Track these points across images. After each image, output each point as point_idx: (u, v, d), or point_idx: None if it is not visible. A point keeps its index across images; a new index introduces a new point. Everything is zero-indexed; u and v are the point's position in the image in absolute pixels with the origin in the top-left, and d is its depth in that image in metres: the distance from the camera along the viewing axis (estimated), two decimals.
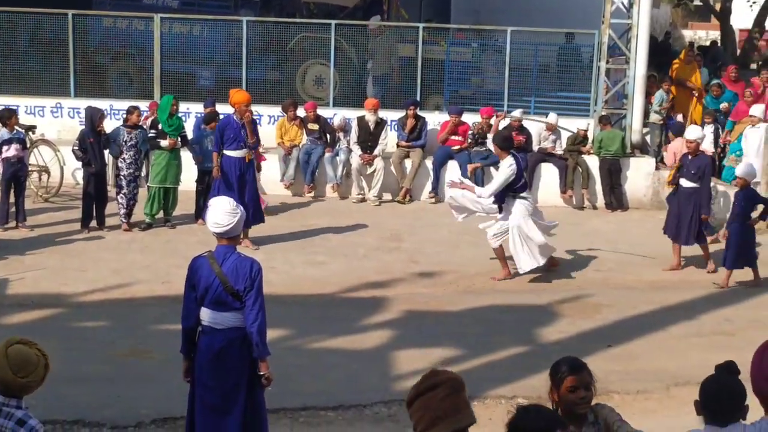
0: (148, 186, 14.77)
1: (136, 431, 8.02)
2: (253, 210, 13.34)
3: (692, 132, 13.80)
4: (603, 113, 17.49)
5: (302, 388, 8.84)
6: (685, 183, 13.33)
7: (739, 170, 13.27)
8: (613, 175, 16.98)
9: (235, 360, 6.46)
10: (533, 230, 12.38)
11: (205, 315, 6.50)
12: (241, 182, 13.29)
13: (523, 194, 12.65)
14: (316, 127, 17.03)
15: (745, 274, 12.81)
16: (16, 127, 14.35)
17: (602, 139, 17.08)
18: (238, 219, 6.49)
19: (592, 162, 17.11)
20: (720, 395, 4.70)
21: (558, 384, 4.95)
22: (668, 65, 20.29)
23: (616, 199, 16.99)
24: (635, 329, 10.81)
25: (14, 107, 16.12)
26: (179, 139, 14.67)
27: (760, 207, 12.95)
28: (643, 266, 13.53)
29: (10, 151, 13.95)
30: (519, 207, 12.47)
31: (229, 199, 6.84)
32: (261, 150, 15.15)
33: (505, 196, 12.56)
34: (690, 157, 13.35)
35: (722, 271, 12.81)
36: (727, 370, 4.78)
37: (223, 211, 6.48)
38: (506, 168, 12.35)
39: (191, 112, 16.84)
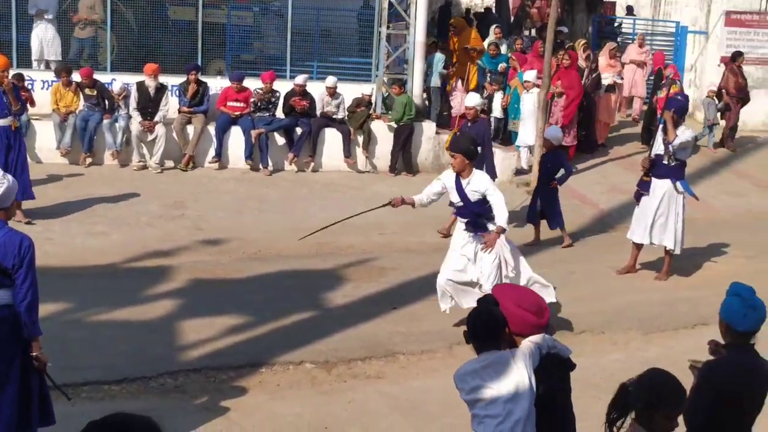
0: None
1: None
2: (23, 185, 12.55)
3: (471, 99, 13.83)
4: (397, 77, 17.64)
5: (84, 362, 8.59)
6: None
7: (547, 133, 13.79)
8: (405, 138, 17.17)
9: (7, 338, 6.16)
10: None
11: None
12: (8, 152, 12.74)
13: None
14: (93, 92, 16.44)
15: (527, 234, 13.34)
16: None
17: (396, 103, 17.22)
18: (5, 188, 6.20)
19: (376, 126, 17.30)
20: (486, 323, 5.18)
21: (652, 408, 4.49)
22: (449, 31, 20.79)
23: (405, 164, 17.22)
24: (419, 292, 11.04)
25: None
26: None
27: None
28: (425, 229, 13.82)
29: None
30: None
31: None
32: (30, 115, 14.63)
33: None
34: (469, 123, 13.49)
35: None
36: (488, 301, 5.31)
37: None
38: (488, 182, 9.81)
39: None
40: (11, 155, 12.76)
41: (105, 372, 8.50)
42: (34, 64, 17.43)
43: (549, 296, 9.53)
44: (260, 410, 8.02)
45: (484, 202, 9.58)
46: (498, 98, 17.83)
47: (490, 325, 5.19)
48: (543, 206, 13.45)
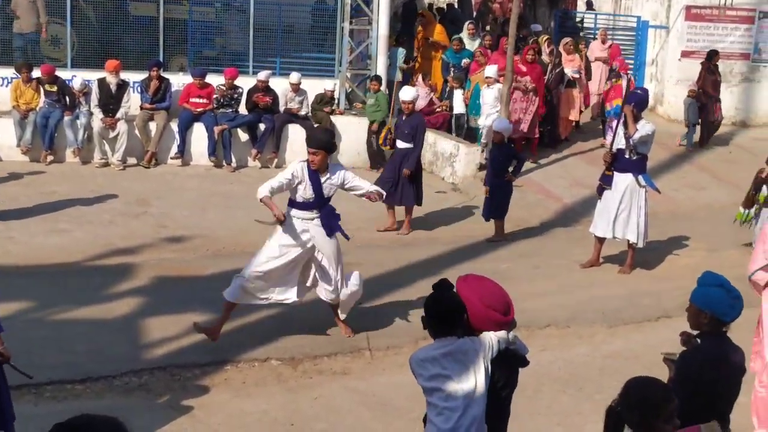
0: None
1: None
2: None
3: (407, 92, 13.75)
4: (376, 74, 17.55)
5: (47, 361, 8.49)
6: (400, 144, 13.58)
7: (496, 125, 13.73)
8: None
9: None
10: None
11: None
12: None
13: None
14: (54, 89, 16.27)
15: (488, 229, 13.37)
16: None
17: (378, 99, 17.04)
18: None
19: (338, 121, 17.26)
20: (445, 309, 5.17)
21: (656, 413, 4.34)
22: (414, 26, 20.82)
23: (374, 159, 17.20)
24: (384, 287, 11.03)
25: None
26: None
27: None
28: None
29: None
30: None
31: None
32: None
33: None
34: (404, 117, 13.57)
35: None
36: (443, 287, 5.22)
37: None
38: (345, 170, 9.52)
39: None
40: None
41: (68, 371, 8.41)
42: None
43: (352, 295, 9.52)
44: (226, 408, 7.99)
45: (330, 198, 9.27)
46: (459, 94, 17.83)
47: (449, 311, 5.16)
48: (495, 199, 13.39)
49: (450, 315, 5.16)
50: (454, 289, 5.23)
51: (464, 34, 19.39)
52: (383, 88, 17.42)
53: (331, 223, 9.27)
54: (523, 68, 17.11)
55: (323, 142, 9.17)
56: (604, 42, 20.61)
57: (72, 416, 3.23)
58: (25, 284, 10.26)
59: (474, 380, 5.08)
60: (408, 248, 12.82)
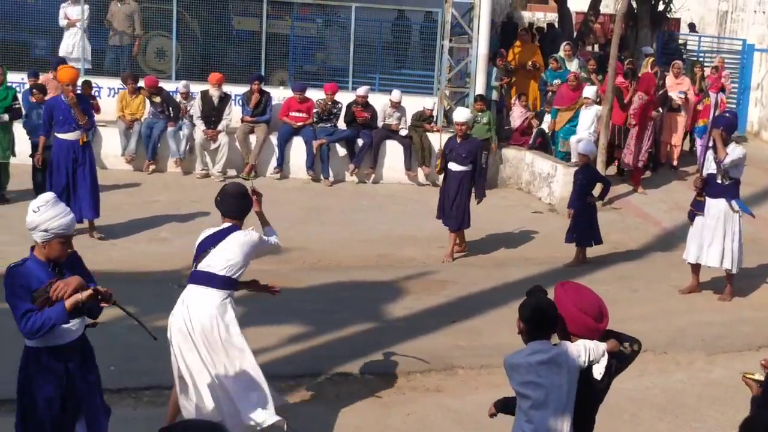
0: None
1: None
2: (91, 200, 12.50)
3: (460, 114, 13.21)
4: (480, 94, 17.48)
5: (145, 366, 8.65)
6: (454, 167, 12.91)
7: (581, 147, 13.58)
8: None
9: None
10: None
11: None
12: (75, 167, 12.43)
13: None
14: (158, 100, 16.63)
15: (588, 250, 13.20)
16: None
17: (481, 119, 16.79)
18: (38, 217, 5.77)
19: (435, 139, 17.26)
20: (544, 314, 5.26)
21: None
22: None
23: None
24: (479, 305, 11.00)
25: None
26: (6, 111, 14.09)
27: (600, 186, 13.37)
28: (486, 243, 13.77)
29: None
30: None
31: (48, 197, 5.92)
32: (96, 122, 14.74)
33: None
34: (459, 140, 12.92)
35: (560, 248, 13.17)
36: (537, 292, 5.40)
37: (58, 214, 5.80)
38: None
39: (26, 83, 16.12)
40: (78, 170, 12.45)
41: (167, 377, 8.53)
42: None
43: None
44: (318, 419, 8.02)
45: None
46: (548, 118, 17.67)
47: (543, 315, 5.25)
48: (578, 223, 13.17)
49: (544, 319, 5.25)
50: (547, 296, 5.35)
51: (561, 54, 19.23)
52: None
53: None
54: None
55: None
56: (718, 70, 19.81)
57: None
58: (125, 290, 10.40)
59: (566, 391, 5.16)
60: (502, 268, 12.75)
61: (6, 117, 14.13)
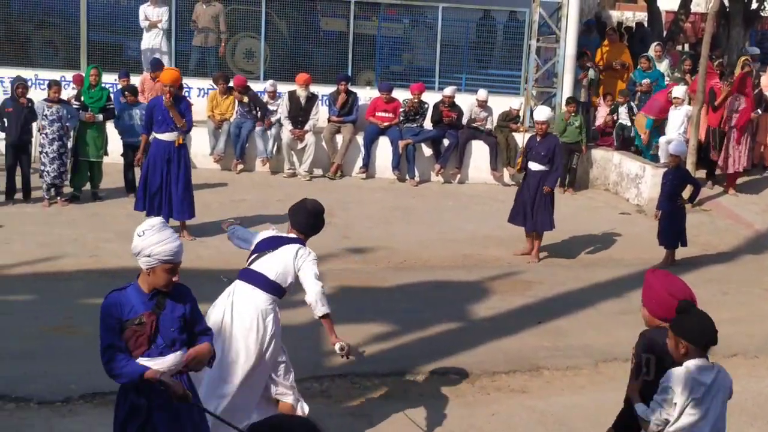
0: (72, 158, 14.48)
1: (63, 406, 7.88)
2: (184, 201, 12.56)
3: (541, 112, 13.09)
4: (572, 96, 17.38)
5: None
6: (534, 166, 12.78)
7: (672, 148, 13.36)
8: (572, 155, 16.96)
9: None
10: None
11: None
12: (169, 168, 12.47)
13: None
14: (246, 100, 16.84)
15: (660, 253, 13.00)
16: None
17: (570, 123, 16.85)
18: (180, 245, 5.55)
19: (522, 140, 17.18)
20: (704, 326, 5.14)
21: None
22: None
23: (570, 180, 17.05)
24: (565, 306, 10.92)
25: None
26: (101, 112, 14.41)
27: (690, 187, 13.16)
28: (573, 243, 13.66)
29: None
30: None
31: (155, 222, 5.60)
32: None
33: None
34: (538, 138, 12.82)
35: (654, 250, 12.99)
36: (690, 308, 5.24)
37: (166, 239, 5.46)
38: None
39: (117, 83, 16.46)
40: (173, 170, 12.48)
41: None
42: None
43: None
44: (402, 418, 8.03)
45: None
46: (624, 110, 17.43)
47: (712, 334, 5.17)
48: (666, 224, 12.96)
49: (712, 340, 5.16)
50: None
51: (651, 54, 18.94)
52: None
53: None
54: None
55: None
56: None
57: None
58: (213, 288, 10.58)
59: (721, 411, 5.20)
60: (590, 269, 12.64)
61: (101, 117, 14.46)
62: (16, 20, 18.75)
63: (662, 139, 16.35)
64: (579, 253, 13.42)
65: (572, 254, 13.35)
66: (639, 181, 16.27)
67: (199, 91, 17.83)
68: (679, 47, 23.21)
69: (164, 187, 12.48)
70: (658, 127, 16.79)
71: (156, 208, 12.28)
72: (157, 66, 16.06)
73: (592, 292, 11.52)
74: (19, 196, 14.13)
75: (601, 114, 18.01)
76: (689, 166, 15.38)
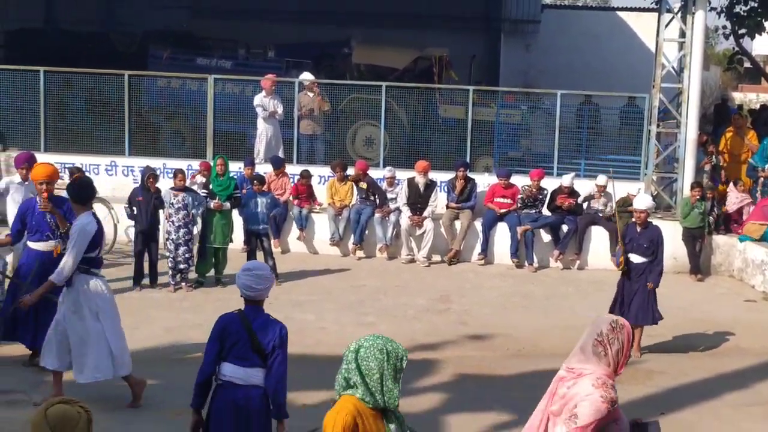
0: (198, 245, 14.91)
1: None
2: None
3: (642, 201, 12.37)
4: (697, 181, 17.22)
5: None
6: (635, 258, 12.02)
7: None
8: (696, 241, 16.84)
9: (255, 416, 6.47)
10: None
11: (228, 370, 6.49)
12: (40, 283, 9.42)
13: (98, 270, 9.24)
14: (364, 186, 17.14)
15: None
16: None
17: (696, 207, 16.72)
18: (269, 285, 6.65)
19: None
20: None
21: None
22: (725, 128, 20.23)
23: (695, 266, 16.81)
24: (688, 397, 10.66)
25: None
26: (228, 199, 14.84)
27: None
28: (693, 332, 13.38)
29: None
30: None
31: (263, 264, 6.97)
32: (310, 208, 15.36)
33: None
34: (638, 229, 12.06)
35: None
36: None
37: (255, 276, 6.56)
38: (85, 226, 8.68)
39: (242, 171, 16.96)
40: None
41: None
42: (257, 160, 18.09)
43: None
44: None
45: None
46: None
47: None
48: None
49: None
50: None
51: None
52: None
53: None
54: None
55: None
56: None
57: None
58: (335, 373, 10.70)
59: None
60: (714, 358, 12.34)
61: (228, 205, 14.88)
62: (147, 112, 19.55)
63: None
64: (702, 342, 13.12)
65: (695, 343, 13.06)
66: (765, 267, 15.89)
67: (320, 179, 18.17)
68: None
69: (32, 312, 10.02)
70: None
71: None
72: (278, 164, 16.76)
73: (718, 383, 11.23)
74: (146, 281, 14.57)
75: (733, 200, 17.60)
76: None
